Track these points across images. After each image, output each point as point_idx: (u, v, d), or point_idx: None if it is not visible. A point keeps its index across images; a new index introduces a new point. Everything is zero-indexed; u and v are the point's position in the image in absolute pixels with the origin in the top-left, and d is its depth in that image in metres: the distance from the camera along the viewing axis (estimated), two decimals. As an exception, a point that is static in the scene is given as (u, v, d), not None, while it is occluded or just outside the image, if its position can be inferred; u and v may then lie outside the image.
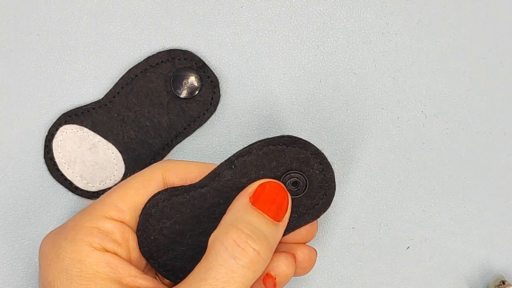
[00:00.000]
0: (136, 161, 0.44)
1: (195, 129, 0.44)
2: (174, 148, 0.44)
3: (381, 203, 0.46)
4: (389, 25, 0.45)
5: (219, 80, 0.44)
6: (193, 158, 0.45)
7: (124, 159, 0.44)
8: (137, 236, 0.36)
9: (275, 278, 0.36)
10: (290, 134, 0.36)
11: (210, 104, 0.44)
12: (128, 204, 0.36)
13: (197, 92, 0.44)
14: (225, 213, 0.36)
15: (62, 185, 0.44)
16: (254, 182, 0.36)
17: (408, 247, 0.46)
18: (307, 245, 0.39)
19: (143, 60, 0.44)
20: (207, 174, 0.36)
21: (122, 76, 0.44)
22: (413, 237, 0.46)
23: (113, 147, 0.44)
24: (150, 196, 0.36)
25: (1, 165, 0.44)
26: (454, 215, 0.46)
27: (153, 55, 0.44)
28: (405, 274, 0.45)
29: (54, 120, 0.44)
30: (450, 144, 0.45)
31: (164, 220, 0.36)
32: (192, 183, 0.36)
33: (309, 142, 0.37)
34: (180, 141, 0.44)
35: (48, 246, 0.35)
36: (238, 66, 0.44)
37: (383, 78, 0.45)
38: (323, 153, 0.37)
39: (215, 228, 0.35)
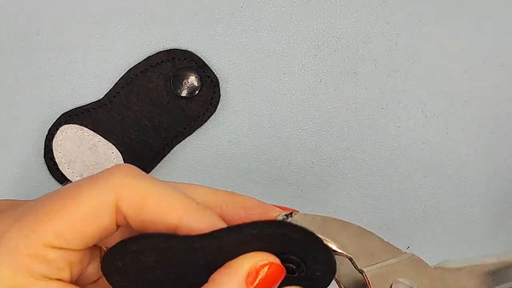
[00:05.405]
0: (136, 160, 0.44)
1: (195, 129, 0.44)
2: (174, 148, 0.44)
3: (381, 203, 0.46)
4: (389, 25, 0.45)
5: (219, 80, 0.44)
6: (193, 158, 0.45)
7: (124, 159, 0.44)
8: (103, 257, 0.31)
9: None
10: (312, 232, 0.31)
11: (210, 104, 0.44)
12: (75, 235, 0.31)
13: (197, 92, 0.44)
14: (208, 267, 0.31)
15: (62, 185, 0.44)
16: (254, 255, 0.31)
17: (408, 247, 0.46)
18: None
19: (143, 60, 0.44)
20: (207, 232, 0.31)
21: (122, 76, 0.44)
22: (413, 237, 0.46)
23: (113, 147, 0.44)
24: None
25: (1, 165, 0.44)
26: (454, 215, 0.46)
27: (153, 55, 0.44)
28: (405, 274, 0.45)
29: (54, 120, 0.44)
30: (450, 144, 0.45)
31: (141, 257, 0.31)
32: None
33: (326, 249, 0.32)
34: (180, 141, 0.44)
35: None
36: (238, 66, 0.44)
37: (383, 78, 0.45)
38: (335, 262, 0.32)
39: (190, 275, 0.31)
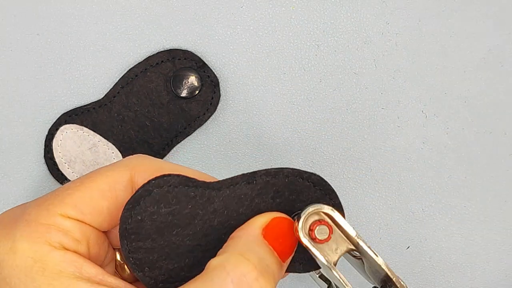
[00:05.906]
0: (136, 161, 0.44)
1: (195, 129, 0.44)
2: (174, 148, 0.44)
3: (381, 203, 0.46)
4: (389, 25, 0.45)
5: (219, 80, 0.44)
6: (193, 158, 0.45)
7: (124, 159, 0.44)
8: (124, 209, 0.32)
9: None
10: (322, 177, 0.34)
11: (210, 104, 0.44)
12: (91, 208, 0.33)
13: (197, 92, 0.44)
14: (222, 226, 0.33)
15: (62, 185, 0.44)
16: (268, 213, 0.33)
17: (408, 247, 0.46)
18: None
19: (143, 60, 0.44)
20: (223, 179, 0.33)
21: (122, 76, 0.44)
22: (413, 237, 0.46)
23: (113, 146, 0.44)
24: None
25: (2, 165, 0.44)
26: (454, 215, 0.46)
27: (153, 54, 0.44)
28: (405, 274, 0.45)
29: (54, 120, 0.44)
30: (450, 144, 0.45)
31: (161, 205, 0.32)
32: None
33: (336, 193, 0.34)
34: (180, 141, 0.44)
35: None
36: (238, 66, 0.44)
37: (383, 78, 0.45)
38: (343, 210, 0.35)
39: (206, 236, 0.32)
